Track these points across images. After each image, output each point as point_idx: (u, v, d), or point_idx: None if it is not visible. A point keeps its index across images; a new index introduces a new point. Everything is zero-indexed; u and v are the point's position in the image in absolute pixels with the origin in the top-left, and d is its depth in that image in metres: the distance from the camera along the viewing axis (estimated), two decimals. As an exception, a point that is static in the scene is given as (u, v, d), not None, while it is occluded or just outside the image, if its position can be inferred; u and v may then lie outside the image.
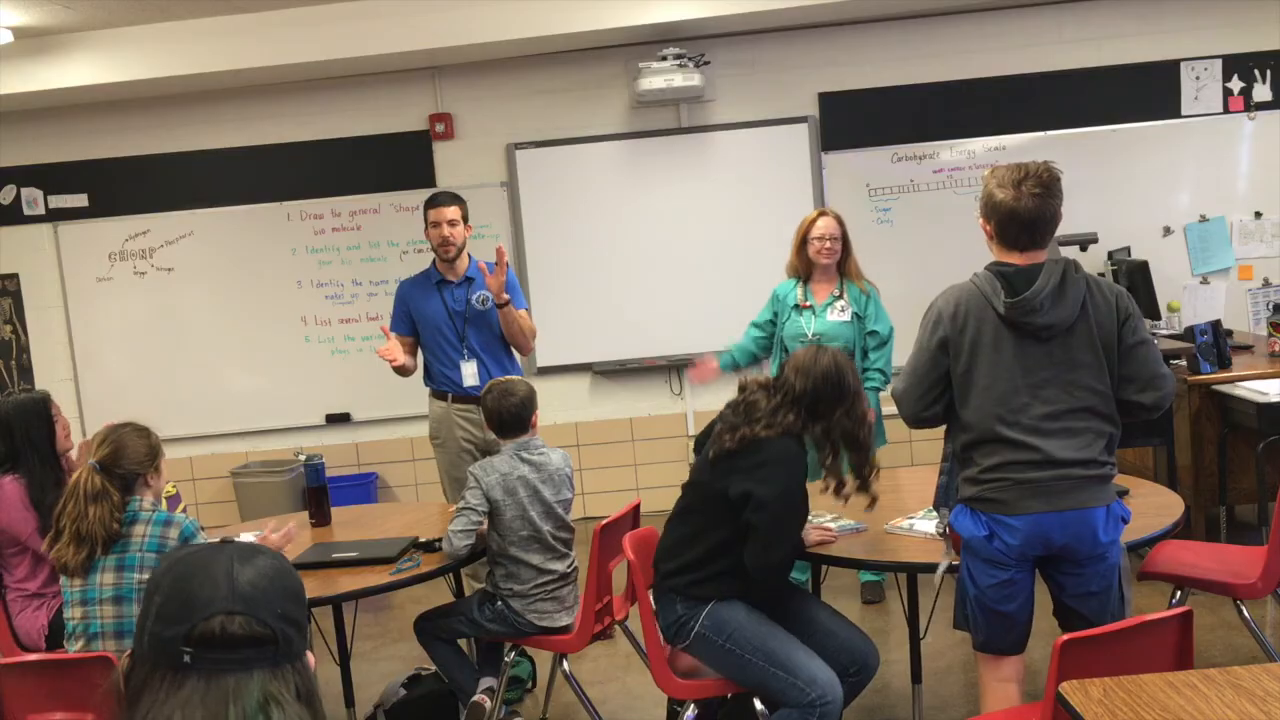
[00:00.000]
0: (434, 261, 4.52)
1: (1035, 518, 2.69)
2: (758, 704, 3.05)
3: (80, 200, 6.58)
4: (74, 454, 3.85)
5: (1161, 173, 6.33)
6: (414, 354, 4.54)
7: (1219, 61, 6.27)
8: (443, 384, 4.48)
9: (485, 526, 3.52)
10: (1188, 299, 6.31)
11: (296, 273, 6.54)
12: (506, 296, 4.32)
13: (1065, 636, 2.32)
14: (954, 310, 2.76)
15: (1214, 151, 6.33)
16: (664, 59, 5.96)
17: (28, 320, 6.67)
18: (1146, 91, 6.28)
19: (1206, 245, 6.36)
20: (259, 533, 3.79)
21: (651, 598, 3.15)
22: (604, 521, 3.50)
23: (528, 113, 6.44)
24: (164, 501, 3.58)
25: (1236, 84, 6.27)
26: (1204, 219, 6.35)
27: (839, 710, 2.92)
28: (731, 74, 6.37)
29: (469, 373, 4.41)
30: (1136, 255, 5.87)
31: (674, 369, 6.52)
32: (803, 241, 4.62)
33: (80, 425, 6.43)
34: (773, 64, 6.38)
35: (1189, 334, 4.97)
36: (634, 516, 3.66)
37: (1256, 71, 6.26)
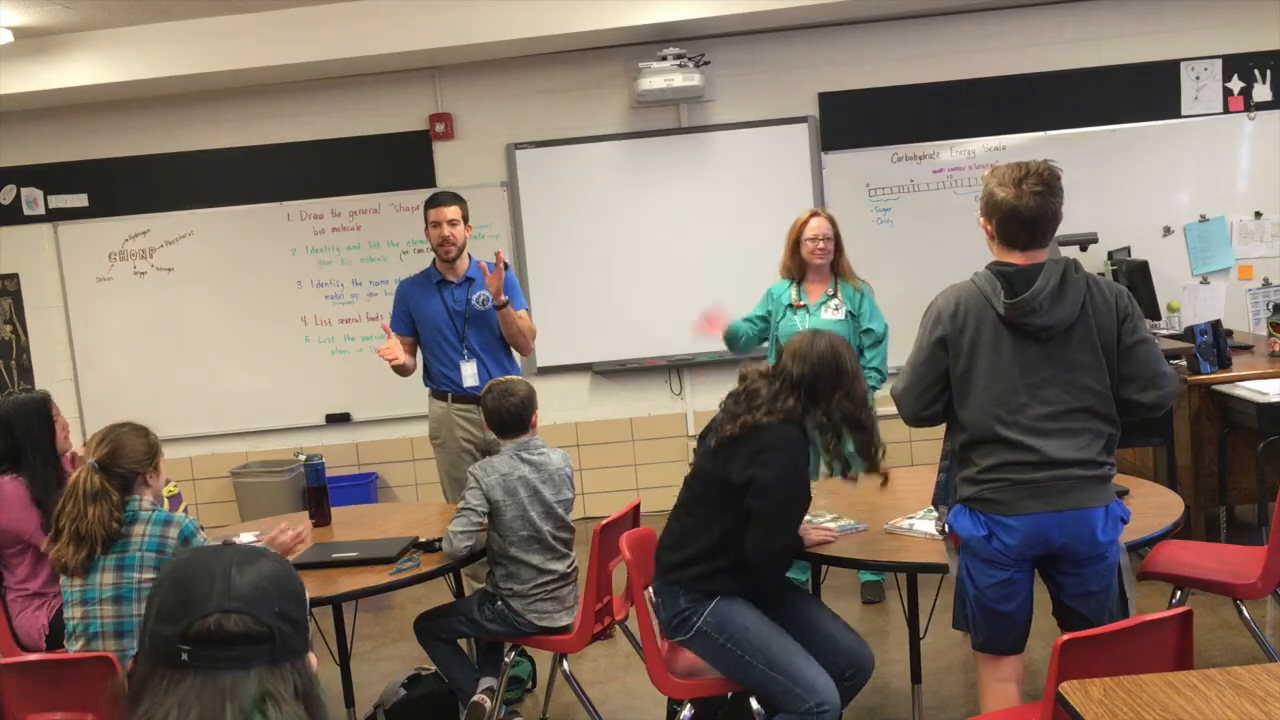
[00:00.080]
0: (434, 261, 4.52)
1: (1034, 518, 2.69)
2: (754, 704, 3.05)
3: (80, 200, 6.58)
4: (80, 452, 3.85)
5: (1161, 173, 6.33)
6: (414, 353, 4.55)
7: (1219, 61, 6.27)
8: (442, 384, 4.48)
9: (484, 527, 3.52)
10: (1188, 299, 6.31)
11: (296, 273, 6.54)
12: (505, 298, 4.32)
13: (1065, 636, 2.32)
14: (954, 310, 2.76)
15: (1214, 151, 6.33)
16: (664, 59, 5.96)
17: (28, 320, 6.67)
18: (1146, 91, 6.28)
19: (1206, 245, 6.36)
20: (259, 533, 3.80)
21: (652, 591, 3.14)
22: (604, 521, 3.50)
23: (528, 113, 6.44)
24: (165, 501, 3.58)
25: (1236, 84, 6.27)
26: (1204, 219, 6.35)
27: (836, 718, 2.92)
28: (731, 74, 6.37)
29: (469, 373, 4.41)
30: (1136, 255, 5.87)
31: (674, 369, 6.53)
32: (795, 242, 4.62)
33: (80, 425, 6.44)
34: (773, 64, 6.38)
35: (1189, 334, 4.97)
36: (634, 516, 3.66)
37: (1256, 71, 6.26)
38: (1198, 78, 6.27)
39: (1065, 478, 2.69)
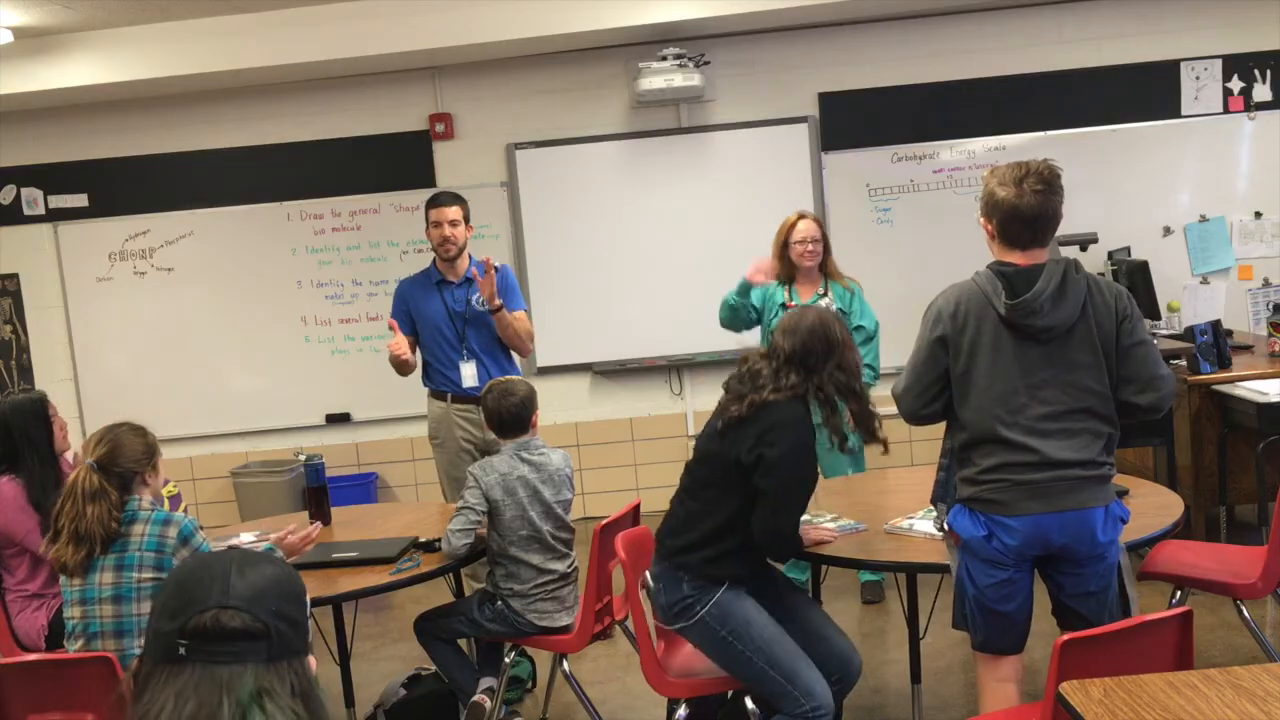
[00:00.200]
0: (434, 261, 4.52)
1: (1034, 519, 2.69)
2: (749, 703, 3.05)
3: (80, 200, 6.58)
4: (80, 452, 3.85)
5: (1161, 173, 6.33)
6: (414, 351, 4.55)
7: (1219, 61, 6.27)
8: (442, 384, 4.48)
9: (484, 527, 3.52)
10: (1188, 299, 6.31)
11: (296, 273, 6.54)
12: (500, 301, 4.32)
13: (1065, 636, 2.32)
14: (954, 309, 2.76)
15: (1214, 151, 6.33)
16: (664, 59, 5.96)
17: (28, 320, 6.67)
18: (1146, 91, 6.28)
19: (1206, 245, 6.36)
20: (259, 533, 3.80)
21: (650, 576, 3.10)
22: (604, 521, 3.50)
23: (528, 113, 6.44)
24: (165, 501, 3.58)
25: (1236, 84, 6.27)
26: (1204, 219, 6.35)
27: None
28: (731, 74, 6.37)
29: (468, 373, 4.41)
30: (1136, 255, 5.87)
31: (674, 369, 6.53)
32: (784, 245, 4.64)
33: (80, 425, 6.44)
34: (773, 64, 6.38)
35: (1189, 334, 4.97)
36: (634, 516, 3.66)
37: (1256, 71, 6.26)
38: (1198, 78, 6.27)
39: (1065, 478, 2.69)
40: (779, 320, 3.12)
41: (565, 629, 3.55)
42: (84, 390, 6.61)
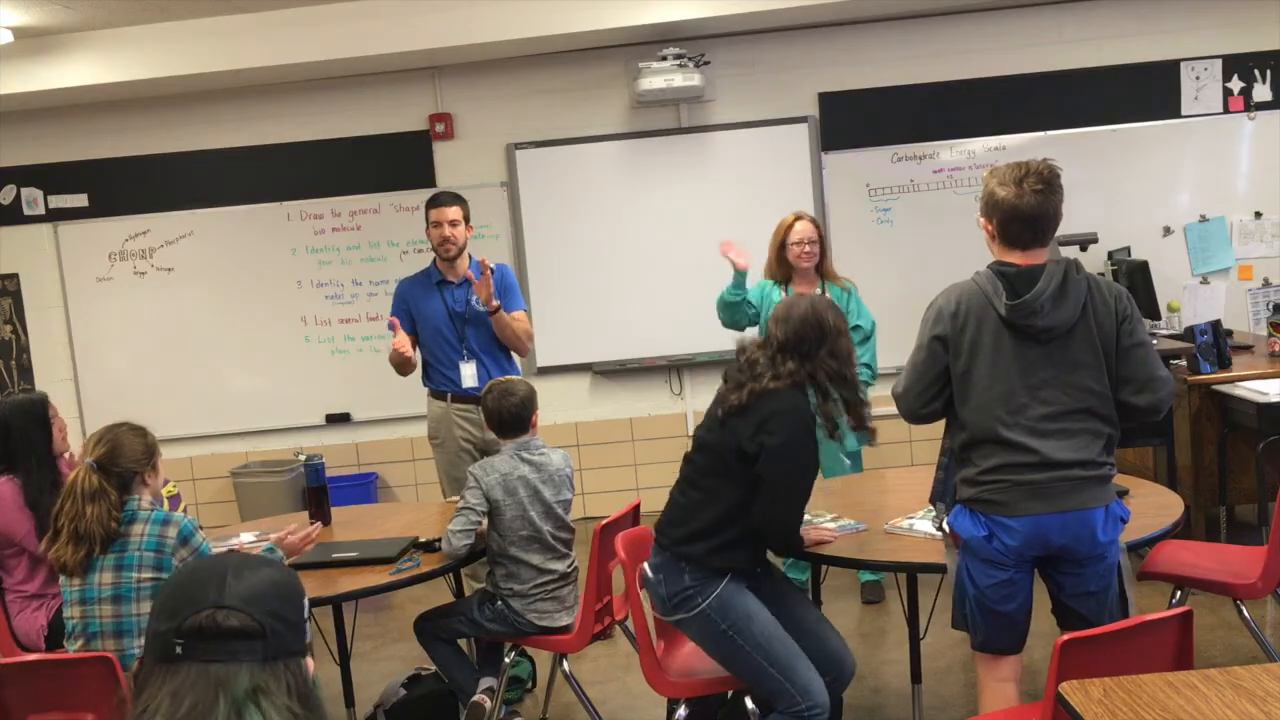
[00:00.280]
0: (434, 261, 4.52)
1: (1035, 519, 2.69)
2: (749, 703, 3.05)
3: (80, 200, 6.58)
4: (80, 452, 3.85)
5: (1161, 173, 6.33)
6: (414, 351, 4.54)
7: (1219, 61, 6.27)
8: (442, 384, 4.48)
9: (485, 527, 3.52)
10: (1188, 299, 6.31)
11: (296, 273, 6.54)
12: (496, 303, 4.32)
13: (1065, 636, 2.32)
14: (955, 309, 2.76)
15: (1214, 151, 6.33)
16: (664, 59, 5.96)
17: (28, 320, 6.67)
18: (1146, 91, 6.28)
19: (1206, 245, 6.36)
20: (259, 533, 3.80)
21: (649, 567, 3.08)
22: (604, 521, 3.50)
23: (528, 113, 6.44)
24: (165, 501, 3.58)
25: (1236, 84, 6.27)
26: (1204, 219, 6.35)
27: None
28: (731, 74, 6.37)
29: (468, 373, 4.41)
30: (1136, 255, 5.87)
31: (674, 369, 6.53)
32: (781, 246, 4.65)
33: (80, 425, 6.44)
34: (773, 64, 6.39)
35: (1189, 334, 4.97)
36: (634, 516, 3.66)
37: (1256, 71, 6.26)
38: (1198, 78, 6.27)
39: (1065, 479, 2.69)
40: (773, 309, 3.12)
41: (565, 629, 3.55)
42: (84, 390, 6.61)
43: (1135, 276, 5.48)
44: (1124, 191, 6.29)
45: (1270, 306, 5.54)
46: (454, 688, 3.69)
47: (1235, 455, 4.81)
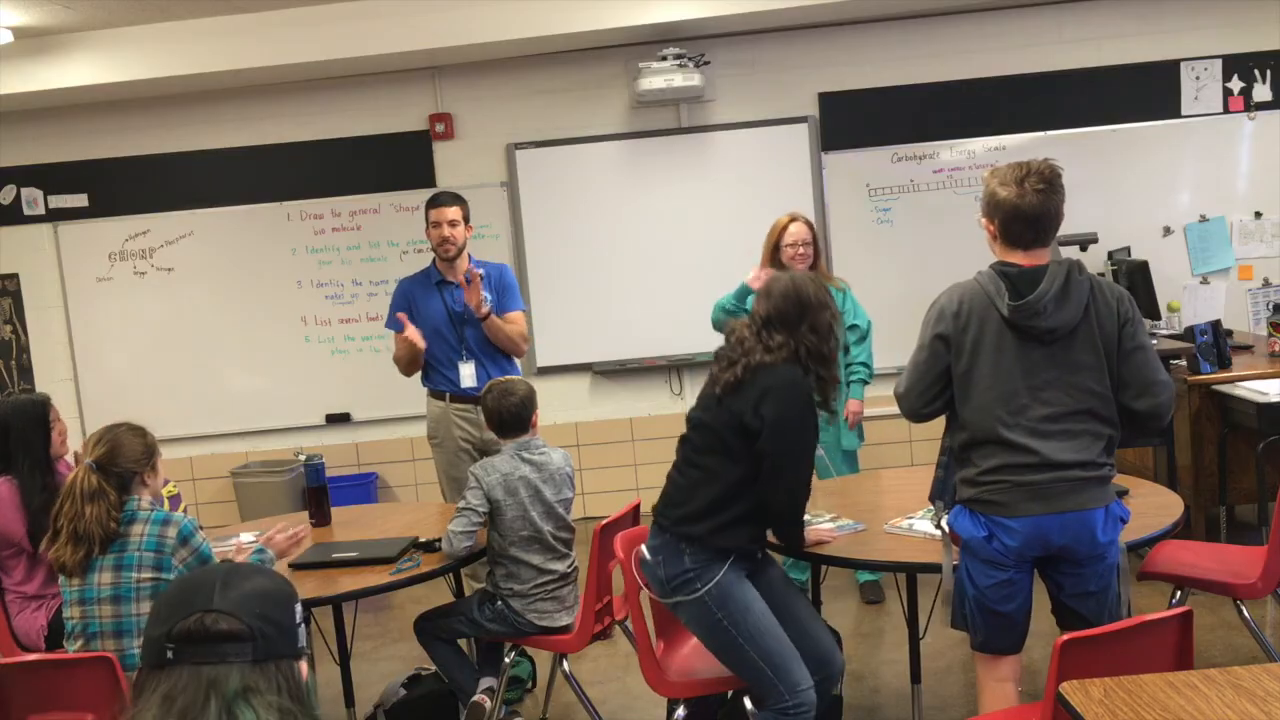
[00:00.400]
0: (434, 261, 4.52)
1: (1035, 520, 2.69)
2: (747, 703, 3.05)
3: (80, 200, 6.58)
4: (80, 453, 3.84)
5: (1161, 173, 6.33)
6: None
7: (1219, 61, 6.27)
8: (441, 384, 4.48)
9: (484, 527, 3.52)
10: (1188, 299, 6.31)
11: (296, 273, 6.54)
12: (486, 309, 4.32)
13: (1065, 636, 2.32)
14: (957, 308, 2.76)
15: (1214, 151, 6.33)
16: (664, 59, 5.96)
17: (28, 320, 6.67)
18: (1146, 91, 6.29)
19: (1206, 245, 6.36)
20: (259, 533, 3.80)
21: (647, 550, 3.05)
22: (604, 521, 3.50)
23: (528, 113, 6.44)
24: (165, 501, 3.57)
25: (1236, 84, 6.27)
26: (1204, 219, 6.35)
27: None
28: (731, 74, 6.37)
29: (467, 373, 4.41)
30: (1136, 255, 5.87)
31: (674, 369, 6.53)
32: (774, 248, 4.65)
33: (80, 425, 6.44)
34: (773, 64, 6.39)
35: (1189, 334, 4.97)
36: (634, 516, 3.66)
37: (1256, 71, 6.26)
38: (1198, 78, 6.27)
39: (1066, 479, 2.69)
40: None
41: (565, 629, 3.55)
42: (84, 390, 6.61)
43: (1135, 276, 5.48)
44: (1124, 191, 6.29)
45: (1270, 306, 5.54)
46: (454, 688, 3.69)
47: (1235, 455, 4.81)
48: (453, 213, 4.40)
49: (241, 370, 6.59)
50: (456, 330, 4.41)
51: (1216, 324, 4.92)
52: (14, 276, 6.66)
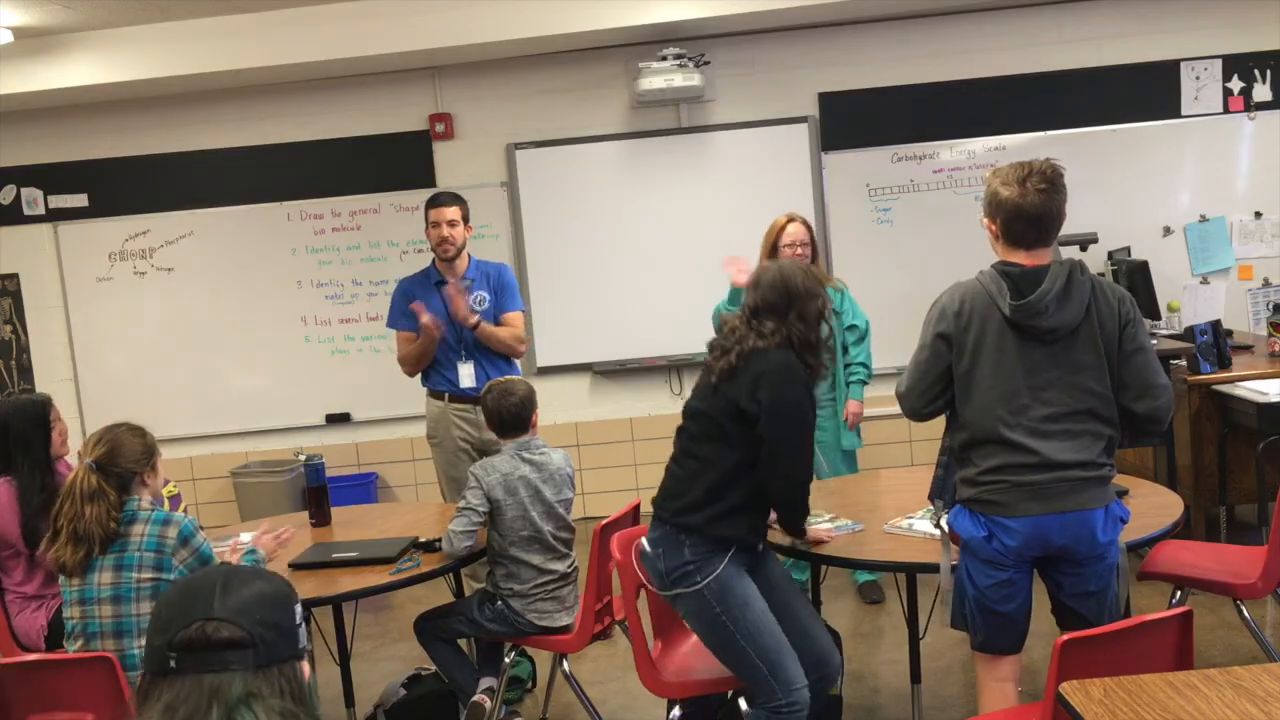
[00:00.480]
0: (434, 261, 4.52)
1: (1034, 520, 2.69)
2: (742, 704, 3.05)
3: (80, 200, 6.58)
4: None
5: (1161, 173, 6.33)
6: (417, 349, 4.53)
7: (1219, 61, 6.27)
8: (440, 384, 4.48)
9: (484, 527, 3.52)
10: (1188, 299, 6.31)
11: (296, 273, 6.54)
12: (475, 318, 4.32)
13: (1065, 636, 2.32)
14: (959, 307, 2.76)
15: (1214, 151, 6.33)
16: (664, 59, 5.96)
17: (28, 320, 6.67)
18: (1146, 91, 6.29)
19: (1206, 245, 6.36)
20: (259, 533, 3.80)
21: (647, 543, 3.04)
22: (604, 521, 3.50)
23: (528, 113, 6.44)
24: (165, 501, 3.57)
25: (1236, 84, 6.27)
26: (1204, 219, 6.35)
27: None
28: (731, 74, 6.37)
29: (465, 373, 4.41)
30: (1136, 255, 5.87)
31: (674, 369, 6.52)
32: (773, 248, 4.65)
33: (80, 425, 6.44)
34: (773, 64, 6.39)
35: (1189, 334, 4.97)
36: (634, 516, 3.66)
37: (1256, 71, 6.26)
38: (1198, 78, 6.27)
39: (1066, 479, 2.69)
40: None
41: (565, 629, 3.55)
42: (84, 390, 6.61)
43: (1135, 276, 5.48)
44: (1124, 191, 6.28)
45: (1270, 306, 5.54)
46: (454, 688, 3.69)
47: (1235, 455, 4.81)
48: (451, 213, 4.40)
49: (241, 370, 6.59)
50: (456, 330, 4.41)
51: (1216, 324, 4.92)
52: (14, 276, 6.66)
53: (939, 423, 2.95)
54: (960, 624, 2.86)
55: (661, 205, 6.41)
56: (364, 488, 6.44)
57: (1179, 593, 3.56)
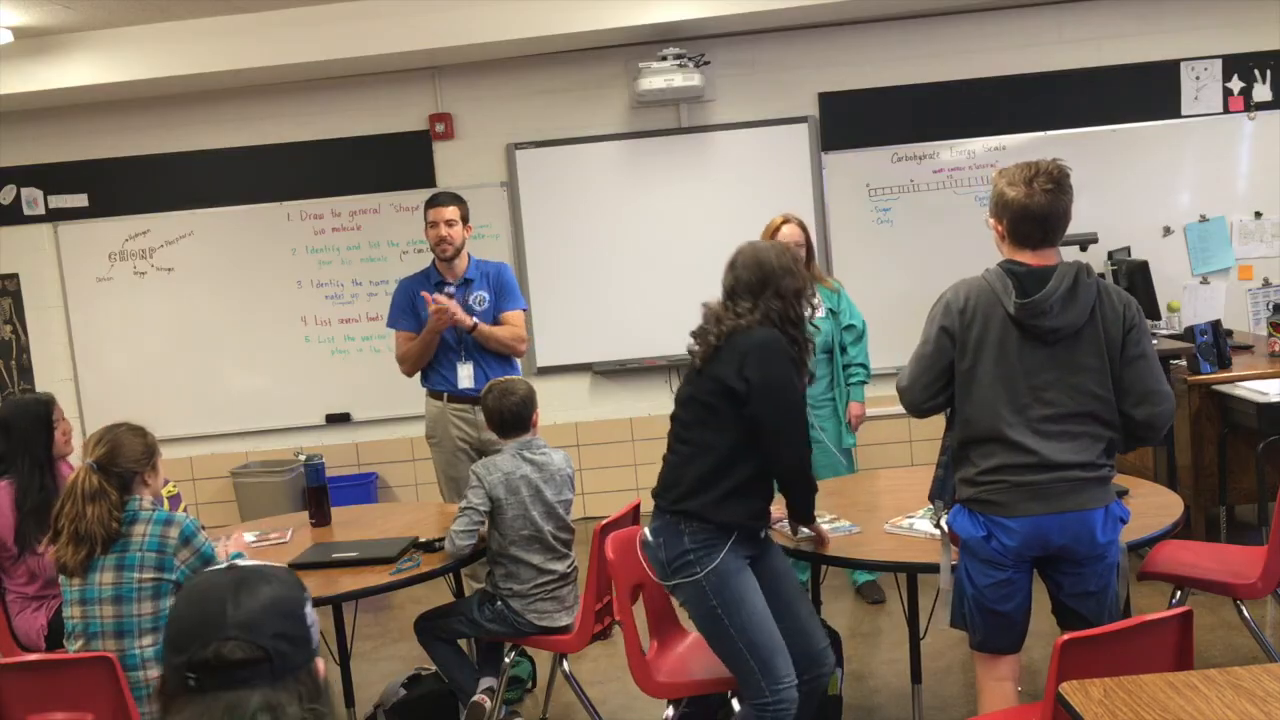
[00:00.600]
0: (433, 261, 4.52)
1: (1034, 520, 2.69)
2: (735, 704, 3.04)
3: (80, 200, 6.58)
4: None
5: (1161, 173, 6.33)
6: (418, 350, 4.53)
7: (1219, 61, 6.27)
8: (439, 384, 4.48)
9: (485, 526, 3.52)
10: (1188, 299, 6.31)
11: (296, 273, 6.54)
12: (472, 321, 4.32)
13: (1065, 636, 2.32)
14: (963, 304, 2.75)
15: (1214, 151, 6.33)
16: (664, 59, 5.96)
17: (28, 320, 6.67)
18: (1146, 91, 6.28)
19: (1206, 245, 6.36)
20: (259, 533, 3.81)
21: (648, 531, 3.03)
22: (604, 521, 3.50)
23: (528, 113, 6.44)
24: (165, 502, 3.57)
25: (1236, 84, 6.27)
26: (1204, 219, 6.35)
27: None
28: (731, 74, 6.37)
29: (465, 374, 4.41)
30: (1136, 255, 5.87)
31: (674, 369, 6.52)
32: None
33: (80, 425, 6.43)
34: (773, 64, 6.38)
35: (1189, 334, 4.97)
36: (634, 516, 3.66)
37: (1256, 71, 6.26)
38: (1198, 78, 6.27)
39: (1065, 479, 2.69)
40: None
41: (565, 629, 3.55)
42: (84, 390, 6.61)
43: (1135, 276, 5.48)
44: (1124, 191, 6.28)
45: (1270, 306, 5.54)
46: (454, 688, 3.70)
47: (1235, 455, 4.81)
48: (450, 212, 4.40)
49: (241, 370, 6.59)
50: (455, 331, 4.41)
51: (1216, 324, 4.92)
52: (14, 276, 6.65)
53: (939, 422, 2.95)
54: (960, 623, 2.86)
55: (661, 205, 6.41)
56: (364, 488, 6.44)
57: (1179, 593, 3.56)
